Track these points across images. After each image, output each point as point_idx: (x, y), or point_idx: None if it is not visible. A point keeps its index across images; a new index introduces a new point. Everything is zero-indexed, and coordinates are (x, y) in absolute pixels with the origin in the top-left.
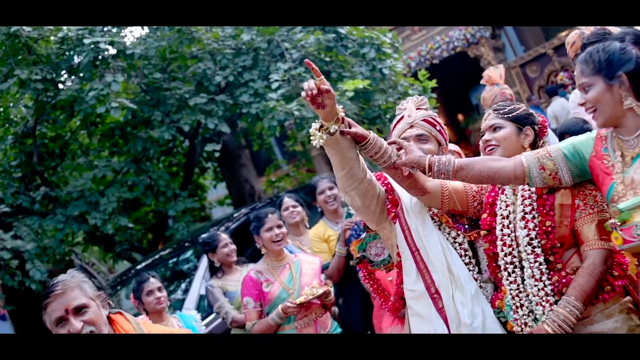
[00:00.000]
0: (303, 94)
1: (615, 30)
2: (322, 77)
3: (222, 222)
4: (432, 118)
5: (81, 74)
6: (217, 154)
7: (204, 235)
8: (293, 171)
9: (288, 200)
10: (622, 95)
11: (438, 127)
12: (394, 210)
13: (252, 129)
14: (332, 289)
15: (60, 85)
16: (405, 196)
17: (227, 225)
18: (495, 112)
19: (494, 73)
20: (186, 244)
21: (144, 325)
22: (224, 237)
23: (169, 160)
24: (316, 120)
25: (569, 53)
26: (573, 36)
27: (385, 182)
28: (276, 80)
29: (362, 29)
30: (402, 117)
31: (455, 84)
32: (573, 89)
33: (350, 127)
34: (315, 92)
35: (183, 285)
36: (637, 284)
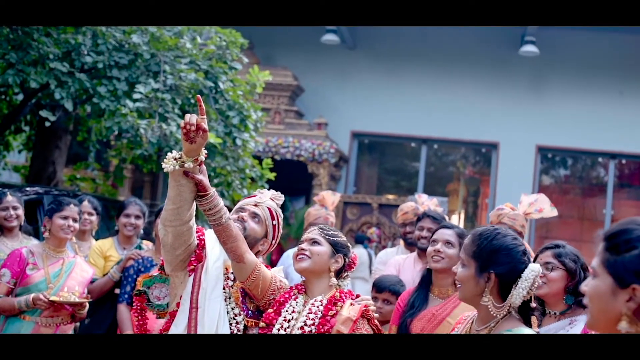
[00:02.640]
0: (182, 123)
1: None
2: (205, 117)
3: (13, 188)
4: (276, 212)
5: None
6: (47, 124)
7: None
8: (100, 179)
9: (87, 205)
10: (484, 290)
11: (275, 222)
12: (194, 264)
13: (88, 120)
14: (87, 305)
15: None
16: (212, 257)
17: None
18: (321, 230)
19: (329, 197)
20: None
21: None
22: (9, 200)
23: None
24: (177, 151)
25: (398, 218)
26: (409, 206)
27: (201, 237)
28: (140, 92)
29: (240, 94)
30: (255, 196)
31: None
32: (376, 246)
33: (200, 173)
34: (193, 128)
35: None
36: None
